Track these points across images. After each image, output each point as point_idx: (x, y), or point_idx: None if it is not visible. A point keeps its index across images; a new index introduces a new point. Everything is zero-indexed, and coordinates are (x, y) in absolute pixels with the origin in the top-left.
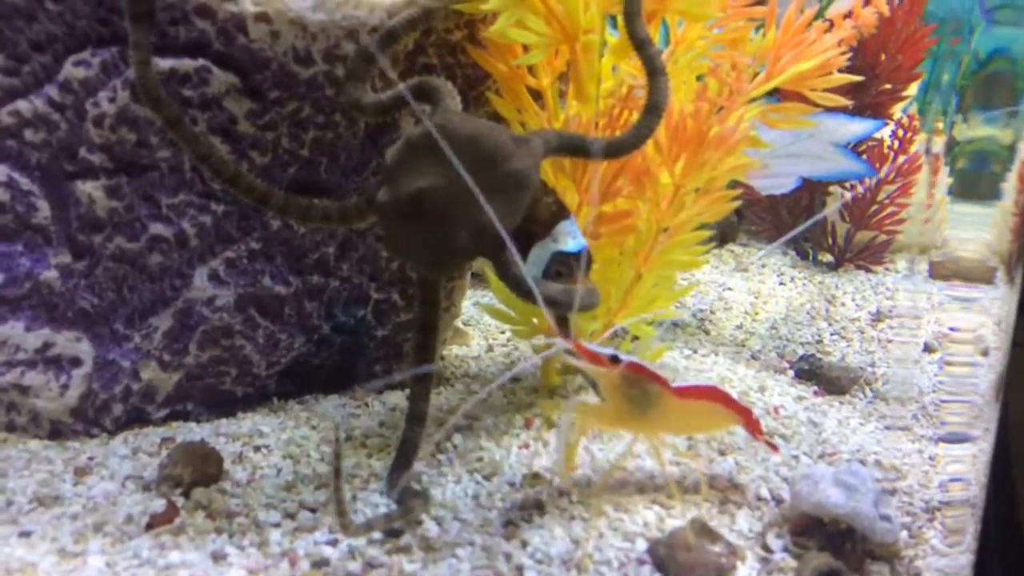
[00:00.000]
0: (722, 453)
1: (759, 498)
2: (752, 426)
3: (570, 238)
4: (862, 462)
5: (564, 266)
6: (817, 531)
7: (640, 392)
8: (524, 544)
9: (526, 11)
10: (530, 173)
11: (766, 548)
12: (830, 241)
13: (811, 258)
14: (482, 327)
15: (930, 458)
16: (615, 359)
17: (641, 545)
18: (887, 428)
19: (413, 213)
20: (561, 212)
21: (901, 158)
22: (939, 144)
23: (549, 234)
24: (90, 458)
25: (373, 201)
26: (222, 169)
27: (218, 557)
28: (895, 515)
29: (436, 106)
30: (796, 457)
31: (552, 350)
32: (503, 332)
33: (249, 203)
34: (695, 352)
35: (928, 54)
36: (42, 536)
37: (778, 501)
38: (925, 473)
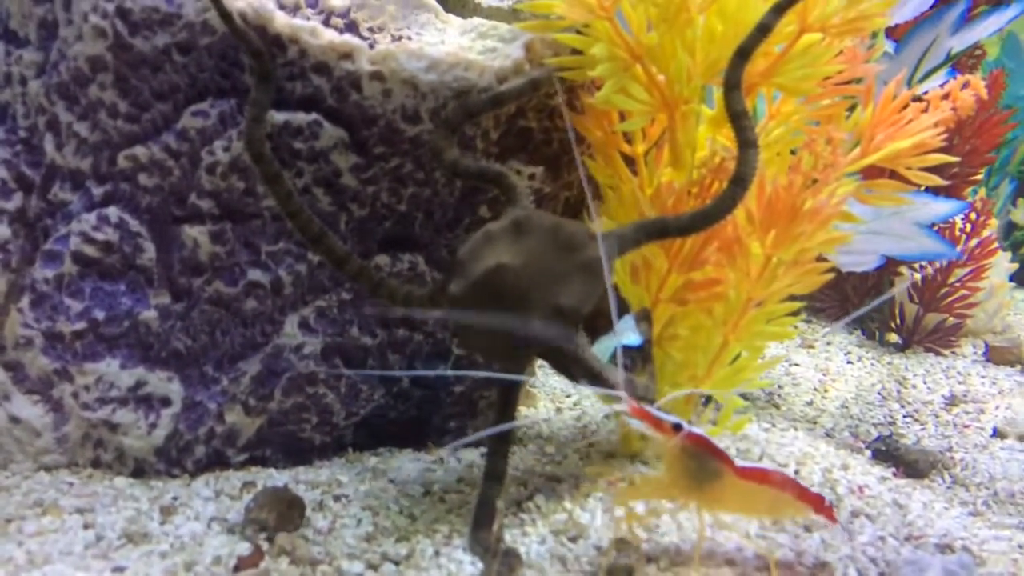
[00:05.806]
0: (808, 530)
1: None
2: (825, 512)
3: (631, 333)
4: (950, 547)
5: (627, 359)
6: None
7: (699, 466)
8: None
9: (629, 79)
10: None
11: None
12: (898, 322)
13: (878, 338)
14: (547, 389)
15: (1019, 546)
16: (678, 427)
17: None
18: (971, 514)
19: (488, 295)
20: (622, 307)
21: (974, 241)
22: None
23: (611, 329)
24: (174, 498)
25: (442, 293)
26: (308, 228)
27: None
28: None
29: (514, 203)
30: (882, 538)
31: (617, 406)
32: (569, 395)
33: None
34: (772, 426)
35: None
36: (134, 572)
37: None
38: (1014, 561)
